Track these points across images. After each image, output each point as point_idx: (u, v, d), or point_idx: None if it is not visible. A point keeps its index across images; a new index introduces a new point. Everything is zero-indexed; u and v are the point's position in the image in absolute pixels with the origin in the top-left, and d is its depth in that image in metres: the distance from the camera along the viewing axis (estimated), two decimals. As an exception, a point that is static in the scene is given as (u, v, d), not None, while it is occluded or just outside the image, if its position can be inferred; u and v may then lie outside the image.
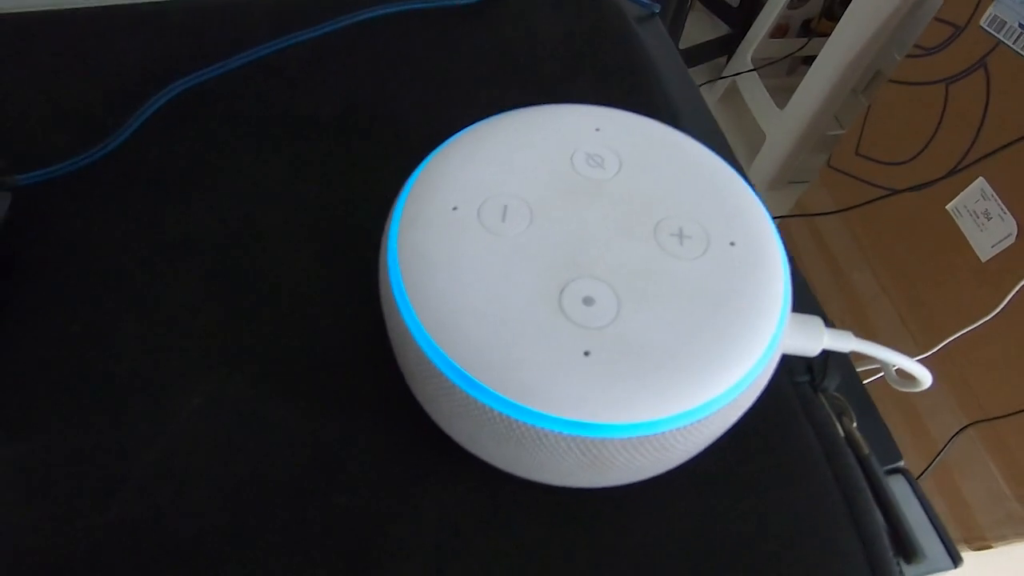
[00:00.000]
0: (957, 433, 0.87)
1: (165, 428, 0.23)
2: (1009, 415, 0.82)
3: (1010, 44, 0.82)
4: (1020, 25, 0.80)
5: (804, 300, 0.30)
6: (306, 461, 0.23)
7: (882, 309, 1.00)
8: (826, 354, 0.26)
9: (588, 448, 0.18)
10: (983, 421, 0.85)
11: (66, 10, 0.36)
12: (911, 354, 0.25)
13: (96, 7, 0.36)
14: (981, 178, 0.85)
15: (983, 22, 0.85)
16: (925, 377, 0.25)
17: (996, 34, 0.83)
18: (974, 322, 0.84)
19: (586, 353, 0.18)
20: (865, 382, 0.29)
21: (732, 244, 0.21)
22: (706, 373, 0.18)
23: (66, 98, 0.32)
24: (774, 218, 0.22)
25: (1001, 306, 0.82)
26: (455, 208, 0.21)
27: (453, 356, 0.18)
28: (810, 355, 0.23)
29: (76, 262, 0.27)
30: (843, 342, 0.23)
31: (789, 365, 0.26)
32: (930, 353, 0.89)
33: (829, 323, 0.24)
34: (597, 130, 0.24)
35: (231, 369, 0.24)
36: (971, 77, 0.87)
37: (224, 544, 0.21)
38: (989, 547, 0.87)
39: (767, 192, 1.37)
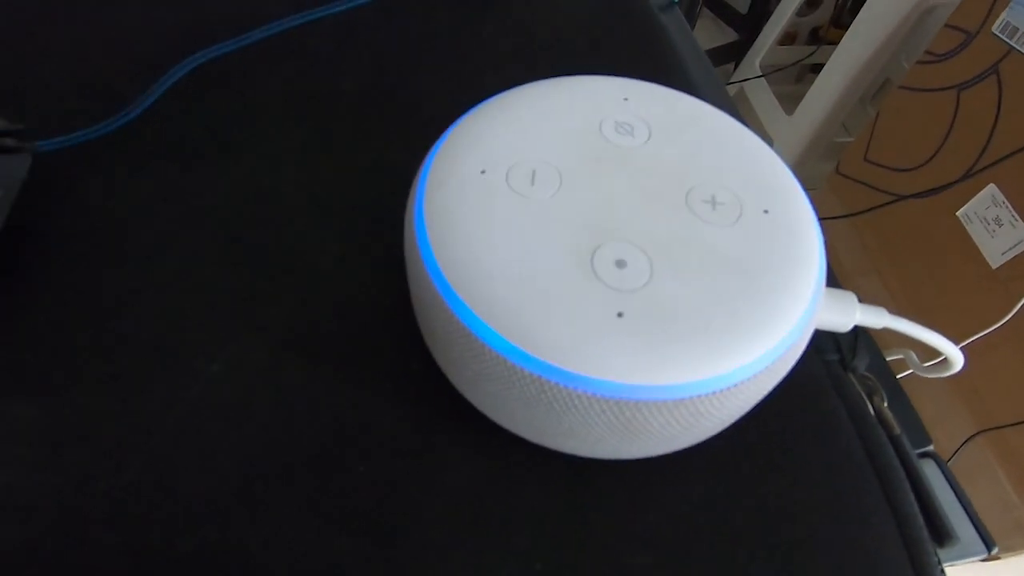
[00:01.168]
0: (966, 441, 0.86)
1: (182, 394, 0.23)
2: (1018, 423, 0.81)
3: (1022, 50, 0.82)
4: (1033, 31, 0.80)
5: (829, 279, 0.30)
6: (326, 429, 0.22)
7: (890, 316, 0.99)
8: (856, 333, 0.26)
9: (620, 412, 0.18)
10: (992, 429, 0.84)
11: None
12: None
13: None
14: (992, 184, 0.85)
15: (995, 28, 0.85)
16: (957, 358, 0.24)
17: (1008, 40, 0.83)
18: (984, 329, 0.84)
19: (619, 315, 0.18)
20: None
21: (766, 212, 0.20)
22: (743, 337, 0.18)
23: (88, 67, 0.32)
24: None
25: (1011, 314, 0.81)
26: (483, 172, 0.21)
27: (482, 315, 0.18)
28: (842, 330, 0.22)
29: (95, 229, 0.26)
30: (876, 318, 0.22)
31: (818, 344, 0.25)
32: (939, 360, 0.88)
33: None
34: (625, 99, 0.23)
35: (251, 337, 0.24)
36: (983, 83, 0.87)
37: (241, 510, 0.20)
38: (997, 559, 0.86)
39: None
